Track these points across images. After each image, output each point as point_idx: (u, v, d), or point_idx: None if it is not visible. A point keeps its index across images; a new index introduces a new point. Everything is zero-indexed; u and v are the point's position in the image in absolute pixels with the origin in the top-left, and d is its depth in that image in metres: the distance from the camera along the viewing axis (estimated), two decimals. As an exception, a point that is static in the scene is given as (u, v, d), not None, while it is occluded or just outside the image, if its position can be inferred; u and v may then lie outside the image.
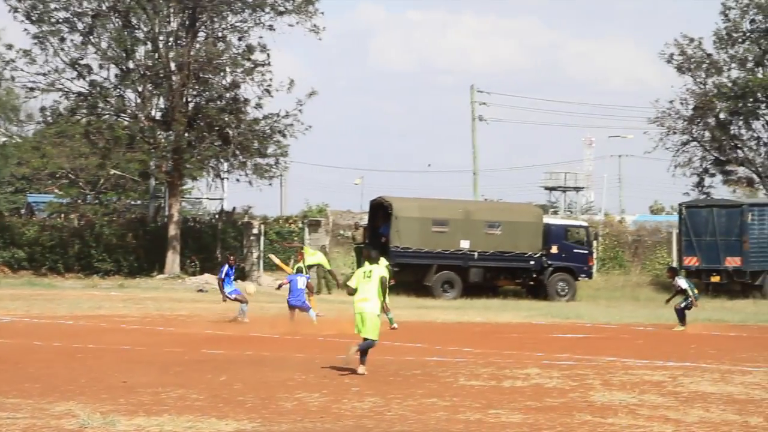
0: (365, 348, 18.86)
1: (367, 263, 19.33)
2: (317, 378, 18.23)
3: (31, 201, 66.52)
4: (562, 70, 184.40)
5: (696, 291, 30.97)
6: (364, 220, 50.06)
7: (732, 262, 46.47)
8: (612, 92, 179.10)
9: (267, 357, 21.55)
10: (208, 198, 69.56)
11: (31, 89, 51.19)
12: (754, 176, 59.47)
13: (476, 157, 65.15)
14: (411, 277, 43.82)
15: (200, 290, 44.60)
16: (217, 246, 53.86)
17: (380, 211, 45.73)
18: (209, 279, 48.17)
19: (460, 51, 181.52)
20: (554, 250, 45.69)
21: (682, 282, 30.60)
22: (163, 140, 51.59)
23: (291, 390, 16.74)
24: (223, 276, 29.92)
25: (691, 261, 47.61)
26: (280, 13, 51.78)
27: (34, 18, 50.68)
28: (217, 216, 57.96)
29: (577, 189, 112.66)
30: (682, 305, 30.34)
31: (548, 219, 49.56)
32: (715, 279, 46.73)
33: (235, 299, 29.94)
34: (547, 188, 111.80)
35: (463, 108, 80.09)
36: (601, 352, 23.81)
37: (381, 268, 19.21)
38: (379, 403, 15.71)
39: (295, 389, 16.84)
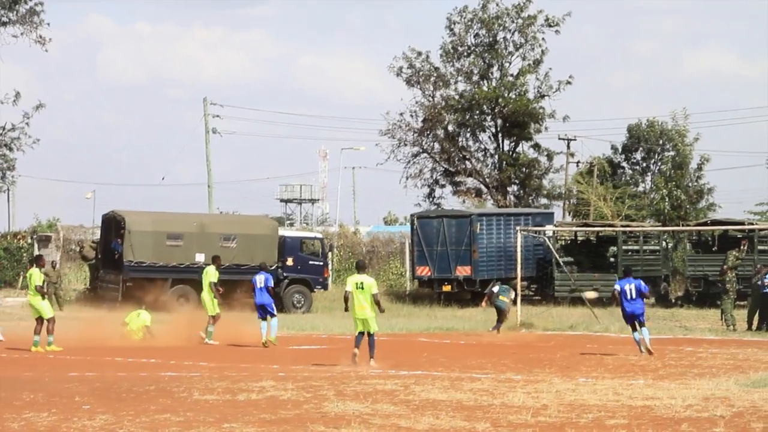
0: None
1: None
2: (46, 397, 17.78)
3: None
4: (295, 82, 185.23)
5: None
6: (96, 235, 49.09)
7: (462, 271, 47.53)
8: (345, 105, 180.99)
9: (-6, 377, 20.91)
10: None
11: None
12: (482, 187, 61.23)
13: (210, 170, 64.83)
14: (145, 292, 43.16)
15: None
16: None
17: (113, 225, 44.94)
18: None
19: (191, 63, 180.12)
20: (290, 262, 45.81)
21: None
22: None
23: (18, 410, 16.26)
24: None
25: (424, 271, 48.52)
26: (3, 24, 50.39)
27: None
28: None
29: (313, 201, 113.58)
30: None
31: (283, 231, 49.68)
32: (447, 288, 47.69)
33: None
34: (282, 200, 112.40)
35: (196, 121, 79.51)
36: (336, 362, 24.04)
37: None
38: (111, 420, 15.44)
39: (23, 409, 16.36)
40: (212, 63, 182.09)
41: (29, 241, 53.28)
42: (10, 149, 50.50)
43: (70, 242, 52.71)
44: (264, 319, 28.90)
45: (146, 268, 43.27)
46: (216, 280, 30.01)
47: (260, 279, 29.25)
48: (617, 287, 26.34)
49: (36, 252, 49.95)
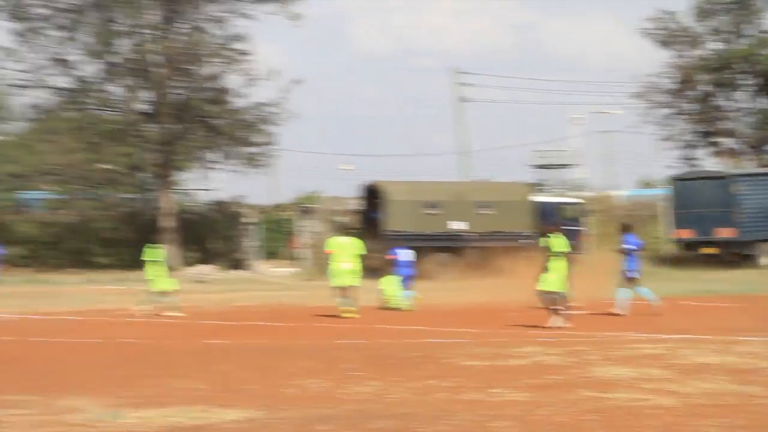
0: None
1: None
2: (320, 364, 18.28)
3: (22, 198, 66.35)
4: (543, 48, 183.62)
5: None
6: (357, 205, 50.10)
7: (724, 233, 46.49)
8: (594, 68, 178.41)
9: (269, 345, 21.62)
10: (201, 189, 69.60)
11: (22, 87, 51.33)
12: (740, 147, 59.68)
13: (463, 138, 65.24)
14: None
15: (198, 281, 44.65)
16: (212, 236, 53.97)
17: (372, 195, 45.76)
18: (206, 270, 48.12)
19: (439, 32, 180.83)
20: (546, 228, 45.68)
21: None
22: (151, 132, 51.60)
23: (293, 377, 16.79)
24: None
25: (684, 233, 47.70)
26: (259, 1, 51.93)
27: (16, 16, 50.72)
28: (212, 207, 57.99)
29: (566, 166, 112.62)
30: None
31: (540, 197, 49.56)
32: (709, 250, 46.76)
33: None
34: (535, 166, 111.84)
35: (446, 89, 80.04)
36: (600, 327, 23.90)
37: None
38: (380, 386, 15.75)
39: (297, 376, 16.88)
40: (460, 31, 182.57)
41: (294, 213, 54.75)
42: (270, 124, 52.04)
43: (332, 213, 53.94)
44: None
45: (405, 237, 43.86)
46: None
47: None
48: None
49: (299, 225, 51.35)
